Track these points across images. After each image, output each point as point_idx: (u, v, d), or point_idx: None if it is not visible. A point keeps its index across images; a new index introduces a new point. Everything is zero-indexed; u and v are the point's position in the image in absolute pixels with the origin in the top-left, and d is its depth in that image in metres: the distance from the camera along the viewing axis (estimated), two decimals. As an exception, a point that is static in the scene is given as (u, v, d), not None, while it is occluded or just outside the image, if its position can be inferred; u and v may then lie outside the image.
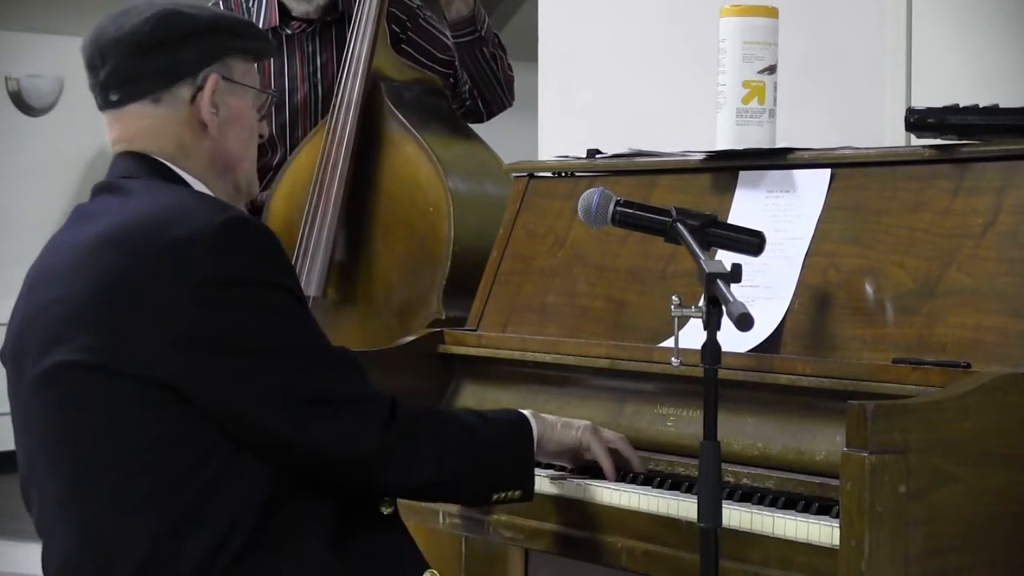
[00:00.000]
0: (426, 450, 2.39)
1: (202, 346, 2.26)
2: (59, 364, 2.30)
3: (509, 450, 2.51)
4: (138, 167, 2.42)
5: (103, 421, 2.29)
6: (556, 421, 2.61)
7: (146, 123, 2.42)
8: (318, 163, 3.68)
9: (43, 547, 2.41)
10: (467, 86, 3.89)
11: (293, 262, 3.61)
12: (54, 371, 2.31)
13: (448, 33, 3.88)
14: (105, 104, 2.45)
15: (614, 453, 2.64)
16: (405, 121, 3.65)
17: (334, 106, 3.69)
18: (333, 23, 3.89)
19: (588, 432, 2.63)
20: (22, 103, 9.09)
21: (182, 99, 2.42)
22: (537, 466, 2.59)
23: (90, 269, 2.32)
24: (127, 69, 2.41)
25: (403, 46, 3.84)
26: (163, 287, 2.26)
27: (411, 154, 3.62)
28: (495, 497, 2.51)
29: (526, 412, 2.58)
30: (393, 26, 3.83)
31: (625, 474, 2.64)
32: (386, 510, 2.45)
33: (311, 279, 3.63)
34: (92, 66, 2.44)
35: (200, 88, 2.42)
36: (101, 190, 2.46)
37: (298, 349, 2.32)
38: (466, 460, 2.45)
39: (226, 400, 2.27)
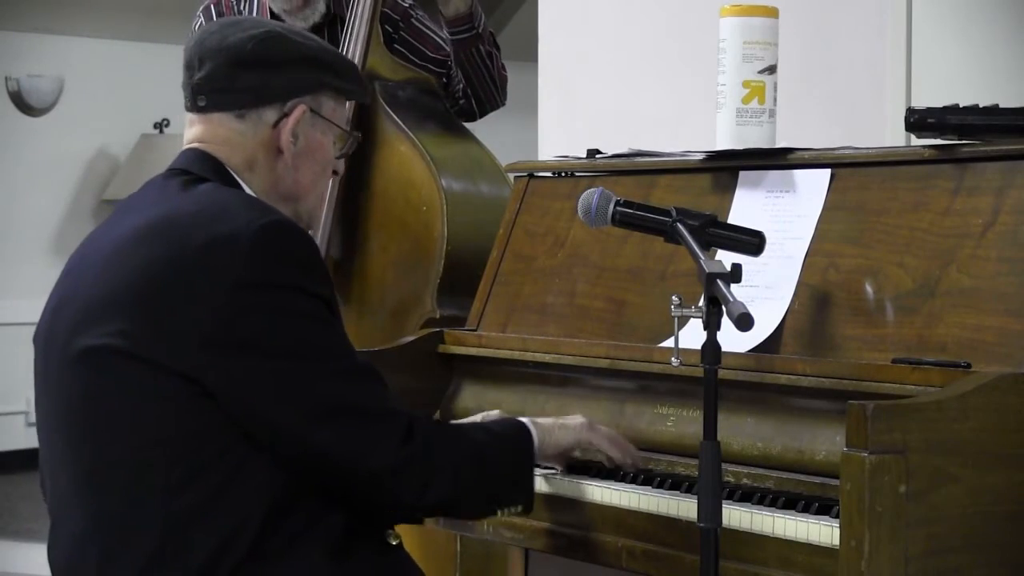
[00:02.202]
0: (441, 471, 2.38)
1: (230, 344, 2.27)
2: (89, 348, 2.32)
3: (515, 466, 2.51)
4: (201, 164, 2.45)
5: (125, 408, 2.30)
6: (553, 424, 2.60)
7: (225, 133, 2.45)
8: None
9: (51, 530, 2.42)
10: (461, 85, 3.88)
11: None
12: (83, 354, 2.33)
13: (441, 33, 3.88)
14: (192, 106, 2.48)
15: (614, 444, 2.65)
16: (399, 120, 3.65)
17: None
18: (324, 25, 3.88)
19: (586, 430, 2.62)
20: (22, 103, 9.09)
21: (266, 121, 2.45)
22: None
23: (130, 257, 2.34)
24: (220, 79, 2.44)
25: (396, 46, 3.84)
26: (199, 282, 2.28)
27: (405, 153, 3.62)
28: (499, 513, 2.52)
29: (525, 420, 2.57)
30: (386, 26, 3.83)
31: (625, 474, 2.64)
32: (393, 541, 2.46)
33: None
34: (189, 66, 2.47)
35: (286, 115, 2.45)
36: (150, 184, 2.49)
37: (324, 356, 2.33)
38: (477, 481, 2.44)
39: (247, 399, 2.28)
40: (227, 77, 2.44)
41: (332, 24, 3.87)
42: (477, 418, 2.68)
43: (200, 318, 2.27)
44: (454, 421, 2.68)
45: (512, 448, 2.51)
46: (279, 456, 2.30)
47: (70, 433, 2.36)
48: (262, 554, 2.29)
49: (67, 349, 2.35)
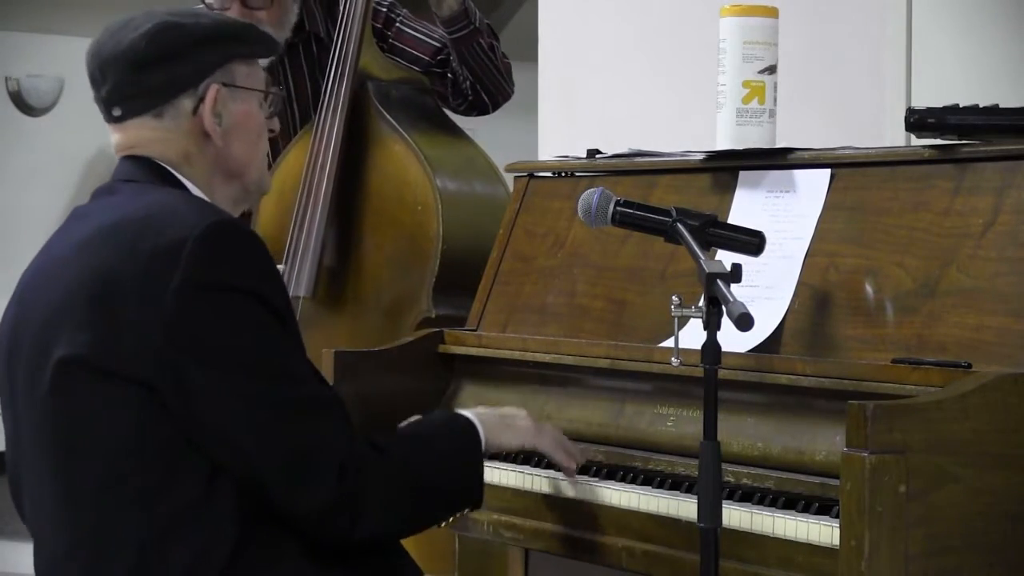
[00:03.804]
0: (372, 508, 2.32)
1: (177, 348, 2.23)
2: (55, 360, 2.29)
3: (457, 477, 2.47)
4: (140, 171, 2.42)
5: (94, 420, 2.27)
6: (497, 423, 2.57)
7: (150, 134, 2.43)
8: (306, 164, 3.68)
9: (34, 548, 2.41)
10: (468, 82, 3.85)
11: (283, 263, 3.60)
12: (51, 366, 2.30)
13: (432, 32, 3.84)
14: (109, 118, 2.45)
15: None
16: (392, 120, 3.65)
17: (321, 107, 3.67)
18: (299, 43, 3.85)
19: (531, 435, 2.61)
20: (22, 103, 9.10)
21: (184, 111, 2.42)
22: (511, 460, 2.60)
23: (78, 266, 2.32)
24: (126, 86, 2.41)
25: (387, 54, 3.81)
26: (147, 288, 2.25)
27: (399, 153, 3.62)
28: (443, 524, 2.50)
29: (471, 416, 2.53)
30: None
31: (625, 474, 2.64)
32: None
33: (301, 279, 3.63)
34: (93, 80, 2.44)
35: (201, 99, 2.42)
36: (99, 193, 2.46)
37: (273, 375, 2.29)
38: (415, 508, 2.41)
39: (194, 407, 2.25)
40: (133, 83, 2.40)
41: (307, 43, 3.85)
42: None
43: (149, 321, 2.23)
44: (402, 424, 2.61)
45: (457, 458, 2.48)
46: (224, 464, 2.26)
47: (45, 448, 2.33)
48: (245, 562, 2.27)
49: (34, 363, 2.33)
